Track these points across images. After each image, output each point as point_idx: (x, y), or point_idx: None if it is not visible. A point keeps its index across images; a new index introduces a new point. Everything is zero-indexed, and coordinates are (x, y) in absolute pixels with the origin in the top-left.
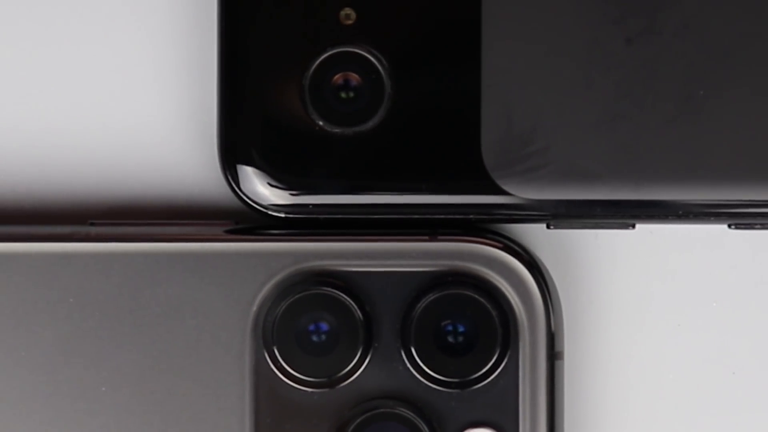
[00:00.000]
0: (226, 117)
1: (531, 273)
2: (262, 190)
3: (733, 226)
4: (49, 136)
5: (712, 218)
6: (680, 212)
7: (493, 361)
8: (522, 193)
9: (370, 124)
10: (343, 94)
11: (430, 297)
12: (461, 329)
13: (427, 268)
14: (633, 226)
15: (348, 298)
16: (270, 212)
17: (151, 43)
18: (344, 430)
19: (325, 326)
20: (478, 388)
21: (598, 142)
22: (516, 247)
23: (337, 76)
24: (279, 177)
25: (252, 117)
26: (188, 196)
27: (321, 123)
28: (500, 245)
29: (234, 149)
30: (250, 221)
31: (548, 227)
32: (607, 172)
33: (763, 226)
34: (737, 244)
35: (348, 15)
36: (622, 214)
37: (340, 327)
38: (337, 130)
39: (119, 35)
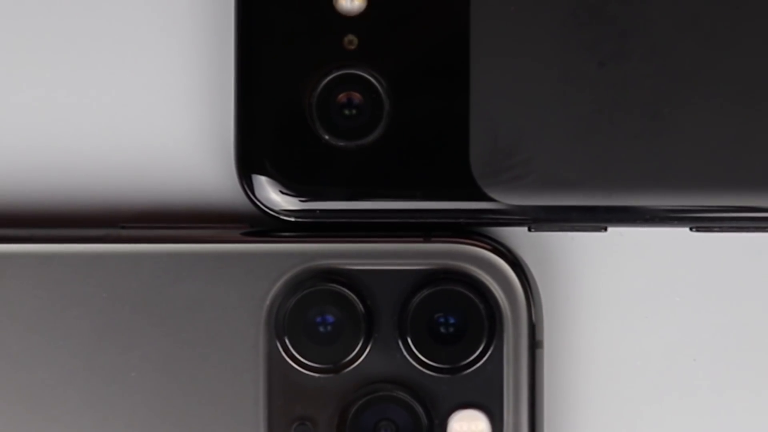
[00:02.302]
0: (243, 132)
1: (514, 271)
2: (275, 197)
3: (694, 229)
4: (85, 150)
5: (676, 222)
6: (647, 216)
7: (480, 349)
8: (506, 199)
9: (371, 138)
10: (346, 112)
11: (425, 292)
12: (452, 321)
13: (421, 267)
14: (605, 229)
15: (351, 293)
16: (281, 217)
17: (178, 69)
18: (348, 411)
19: (330, 318)
20: (467, 373)
21: (574, 154)
22: (501, 248)
23: (341, 96)
24: (289, 185)
25: (265, 131)
26: (208, 203)
27: (327, 137)
28: (487, 246)
29: (249, 160)
30: (263, 225)
31: (529, 230)
32: (581, 181)
33: (721, 229)
34: (698, 245)
35: (351, 41)
36: (596, 218)
37: (344, 319)
38: (341, 144)
39: (150, 63)
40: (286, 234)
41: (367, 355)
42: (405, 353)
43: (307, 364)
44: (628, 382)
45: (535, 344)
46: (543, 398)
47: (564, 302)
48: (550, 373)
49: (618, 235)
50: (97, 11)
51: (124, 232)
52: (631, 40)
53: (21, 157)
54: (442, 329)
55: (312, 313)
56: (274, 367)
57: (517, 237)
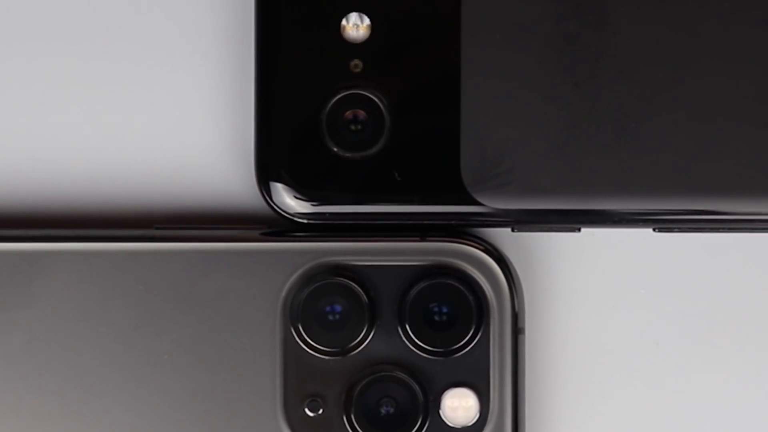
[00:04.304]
0: (262, 144)
1: (499, 266)
2: (290, 201)
3: (656, 230)
4: (124, 162)
5: (641, 223)
6: (616, 219)
7: (469, 335)
8: (492, 204)
9: (374, 149)
10: (352, 127)
11: (421, 285)
12: (445, 310)
13: (418, 263)
14: (579, 230)
15: (356, 286)
16: (296, 219)
17: (205, 90)
18: (354, 389)
19: (338, 308)
20: (458, 356)
21: (552, 164)
22: (488, 246)
23: (348, 112)
24: (303, 191)
25: (282, 144)
26: (231, 206)
27: (335, 149)
28: (475, 245)
29: (267, 169)
30: (279, 226)
31: (513, 230)
32: (558, 188)
33: (681, 230)
34: (660, 244)
35: (356, 65)
36: (570, 220)
37: (350, 308)
38: (348, 155)
39: (182, 87)
40: (300, 234)
41: (370, 340)
42: (404, 338)
43: (317, 348)
44: (599, 364)
45: (517, 331)
46: (524, 378)
47: (543, 294)
48: (531, 356)
49: (590, 235)
50: (135, 41)
51: (158, 232)
52: (602, 64)
53: (69, 169)
54: (436, 317)
55: (322, 303)
56: (289, 351)
57: (502, 237)
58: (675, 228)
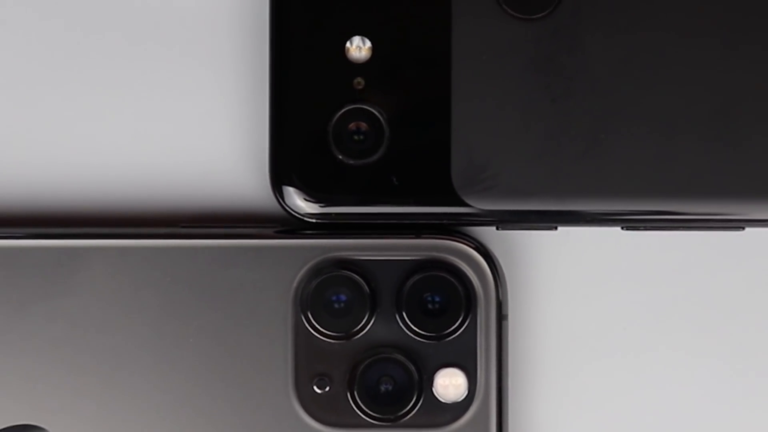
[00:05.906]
0: (275, 152)
1: (485, 260)
2: (300, 203)
3: (624, 229)
4: (155, 169)
5: (610, 223)
6: (588, 218)
7: (459, 321)
8: (479, 205)
9: (375, 157)
10: (355, 137)
11: (416, 277)
12: (437, 299)
13: (413, 258)
14: (556, 228)
15: (359, 278)
16: (305, 219)
17: (226, 105)
18: (357, 369)
19: (343, 297)
20: (449, 340)
21: (532, 170)
22: (475, 243)
23: (351, 124)
24: (312, 194)
25: (293, 152)
26: (248, 208)
27: (340, 157)
28: (464, 242)
29: (280, 175)
30: (291, 225)
31: (497, 229)
32: (538, 191)
33: (646, 228)
34: (627, 241)
35: (359, 82)
36: (548, 220)
37: (353, 298)
38: (351, 162)
39: (206, 103)
40: (309, 232)
41: (371, 325)
42: (401, 324)
43: (325, 333)
44: (573, 347)
45: (501, 317)
46: (508, 359)
47: (524, 285)
48: (514, 340)
49: (566, 233)
50: (167, 63)
51: (184, 230)
52: (576, 82)
53: (106, 175)
54: (430, 306)
55: (329, 293)
56: (300, 335)
57: (488, 234)
58: (641, 227)
